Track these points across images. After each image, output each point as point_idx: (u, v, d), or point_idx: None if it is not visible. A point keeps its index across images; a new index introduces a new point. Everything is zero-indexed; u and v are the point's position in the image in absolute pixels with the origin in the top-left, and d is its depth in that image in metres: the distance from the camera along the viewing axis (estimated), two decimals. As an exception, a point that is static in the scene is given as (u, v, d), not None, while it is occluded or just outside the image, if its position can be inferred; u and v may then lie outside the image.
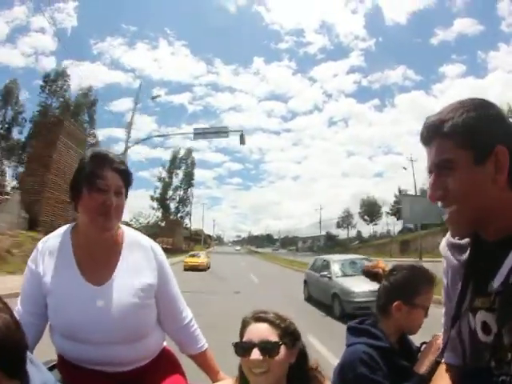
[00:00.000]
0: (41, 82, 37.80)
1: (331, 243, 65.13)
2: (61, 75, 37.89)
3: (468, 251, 0.92)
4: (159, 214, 53.46)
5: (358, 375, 1.19)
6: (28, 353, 0.98)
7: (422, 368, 1.22)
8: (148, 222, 49.30)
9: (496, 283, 0.82)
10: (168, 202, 56.11)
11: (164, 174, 57.05)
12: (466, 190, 0.82)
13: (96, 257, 1.32)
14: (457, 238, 0.96)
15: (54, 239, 1.36)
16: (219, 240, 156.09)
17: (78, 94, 39.13)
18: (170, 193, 56.46)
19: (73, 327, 1.27)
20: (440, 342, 1.17)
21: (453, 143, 0.84)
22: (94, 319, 1.26)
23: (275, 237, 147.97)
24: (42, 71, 70.88)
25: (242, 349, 1.11)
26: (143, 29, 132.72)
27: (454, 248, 0.96)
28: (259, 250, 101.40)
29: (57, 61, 72.68)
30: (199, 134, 19.78)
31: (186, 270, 21.70)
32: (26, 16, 66.77)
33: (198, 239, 72.09)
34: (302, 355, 1.18)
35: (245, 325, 1.17)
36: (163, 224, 50.72)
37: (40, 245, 1.36)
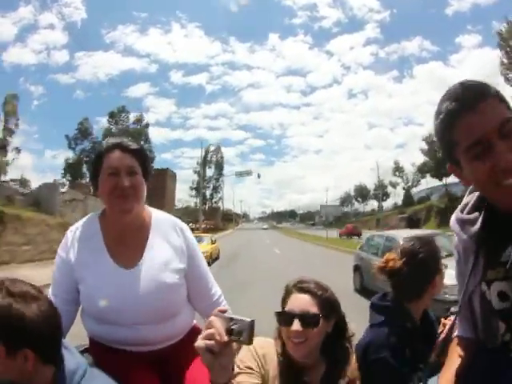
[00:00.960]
0: (107, 118, 47.59)
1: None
2: (122, 111, 48.46)
3: (478, 225, 0.89)
4: (197, 200, 67.13)
5: (381, 359, 1.20)
6: (62, 339, 1.02)
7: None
8: (187, 207, 62.55)
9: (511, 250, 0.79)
10: (204, 190, 69.66)
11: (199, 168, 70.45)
12: None
13: (125, 240, 1.33)
14: (462, 207, 0.95)
15: (82, 227, 1.38)
16: (246, 217, 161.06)
17: (133, 121, 48.64)
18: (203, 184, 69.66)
19: (105, 311, 1.28)
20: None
21: (506, 106, 0.77)
22: (125, 302, 1.27)
23: (299, 211, 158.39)
24: (55, 65, 77.26)
25: (284, 319, 1.15)
26: (154, 14, 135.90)
27: (464, 223, 0.93)
28: (279, 225, 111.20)
29: (69, 54, 77.37)
30: (227, 176, 31.26)
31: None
32: (34, 15, 70.29)
33: (230, 218, 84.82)
34: (339, 325, 1.21)
35: (288, 293, 1.19)
36: (204, 209, 64.35)
37: (69, 233, 1.38)
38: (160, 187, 46.90)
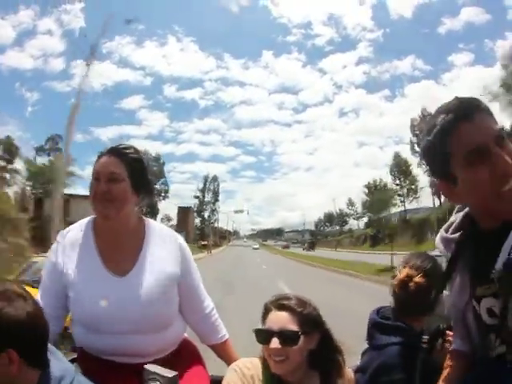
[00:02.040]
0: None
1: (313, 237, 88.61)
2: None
3: (459, 244, 0.93)
4: (197, 221, 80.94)
5: (395, 381, 1.16)
6: (49, 345, 1.00)
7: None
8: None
9: (498, 266, 0.81)
10: (202, 213, 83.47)
11: (199, 193, 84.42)
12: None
13: (118, 247, 1.31)
14: (446, 227, 0.98)
15: (74, 231, 1.35)
16: (236, 234, 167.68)
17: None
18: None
19: (95, 318, 1.25)
20: None
21: (494, 120, 0.84)
22: (116, 310, 1.25)
23: (286, 230, 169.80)
24: (50, 72, 72.99)
25: (262, 336, 1.13)
26: (151, 26, 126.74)
27: (449, 241, 0.96)
28: (265, 243, 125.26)
29: (66, 61, 71.75)
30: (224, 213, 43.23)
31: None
32: (33, 19, 64.69)
33: (224, 236, 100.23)
34: (325, 340, 1.19)
35: (267, 311, 1.17)
36: (202, 228, 78.33)
37: (60, 237, 1.34)
38: (184, 221, 64.95)
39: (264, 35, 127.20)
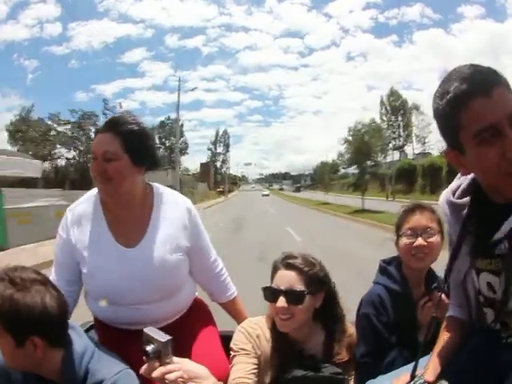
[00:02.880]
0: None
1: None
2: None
3: (466, 210, 0.91)
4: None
5: (365, 314, 1.26)
6: (68, 321, 1.02)
7: (422, 336, 1.11)
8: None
9: (502, 245, 0.81)
10: (216, 163, 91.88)
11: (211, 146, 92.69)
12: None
13: (127, 219, 1.32)
14: (454, 188, 0.95)
15: (82, 205, 1.35)
16: (245, 179, 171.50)
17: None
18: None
19: (107, 290, 1.28)
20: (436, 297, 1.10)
21: (511, 95, 0.77)
22: (127, 281, 1.27)
23: (293, 173, 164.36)
24: (49, 37, 73.59)
25: (270, 295, 1.17)
26: None
27: (454, 206, 0.94)
28: (270, 188, 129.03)
29: (63, 25, 74.38)
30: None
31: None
32: None
33: (235, 182, 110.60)
34: (330, 298, 1.23)
35: (275, 269, 1.21)
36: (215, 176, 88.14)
37: (68, 212, 1.35)
38: (205, 174, 75.45)
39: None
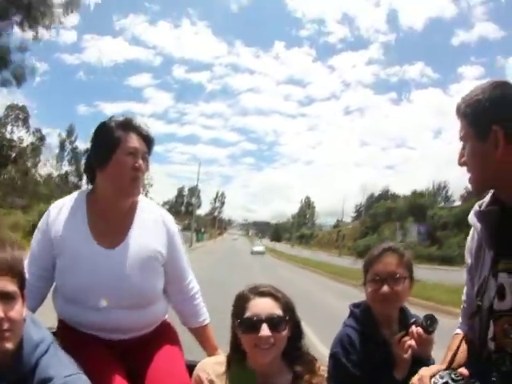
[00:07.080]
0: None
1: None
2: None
3: (491, 217, 0.97)
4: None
5: (334, 354, 1.26)
6: (29, 312, 1.01)
7: (399, 372, 1.19)
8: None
9: None
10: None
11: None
12: (473, 162, 0.96)
13: (109, 221, 1.33)
14: (480, 203, 1.04)
15: (66, 203, 1.37)
16: (230, 223, 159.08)
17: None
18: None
19: (80, 289, 1.27)
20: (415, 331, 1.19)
21: (466, 122, 0.97)
22: (101, 282, 1.26)
23: (275, 221, 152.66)
24: (62, 44, 67.44)
25: (249, 325, 1.11)
26: (166, 8, 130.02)
27: (481, 214, 1.02)
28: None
29: (78, 35, 73.21)
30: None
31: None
32: None
33: (225, 227, 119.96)
34: (296, 328, 1.21)
35: (246, 300, 1.15)
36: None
37: (52, 208, 1.37)
38: (213, 219, 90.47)
39: (277, 26, 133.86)
